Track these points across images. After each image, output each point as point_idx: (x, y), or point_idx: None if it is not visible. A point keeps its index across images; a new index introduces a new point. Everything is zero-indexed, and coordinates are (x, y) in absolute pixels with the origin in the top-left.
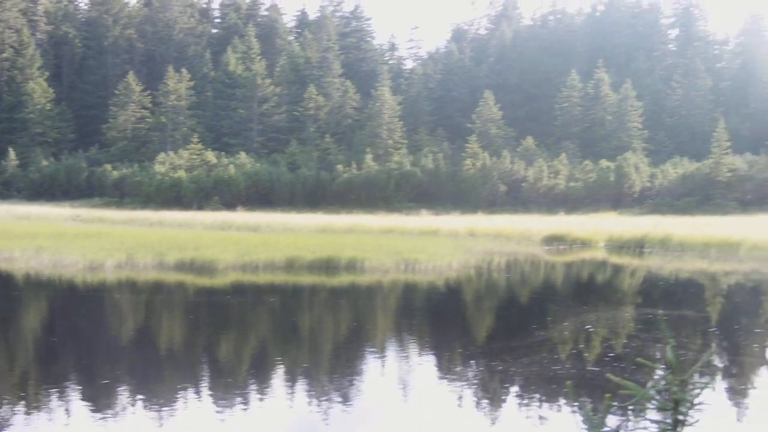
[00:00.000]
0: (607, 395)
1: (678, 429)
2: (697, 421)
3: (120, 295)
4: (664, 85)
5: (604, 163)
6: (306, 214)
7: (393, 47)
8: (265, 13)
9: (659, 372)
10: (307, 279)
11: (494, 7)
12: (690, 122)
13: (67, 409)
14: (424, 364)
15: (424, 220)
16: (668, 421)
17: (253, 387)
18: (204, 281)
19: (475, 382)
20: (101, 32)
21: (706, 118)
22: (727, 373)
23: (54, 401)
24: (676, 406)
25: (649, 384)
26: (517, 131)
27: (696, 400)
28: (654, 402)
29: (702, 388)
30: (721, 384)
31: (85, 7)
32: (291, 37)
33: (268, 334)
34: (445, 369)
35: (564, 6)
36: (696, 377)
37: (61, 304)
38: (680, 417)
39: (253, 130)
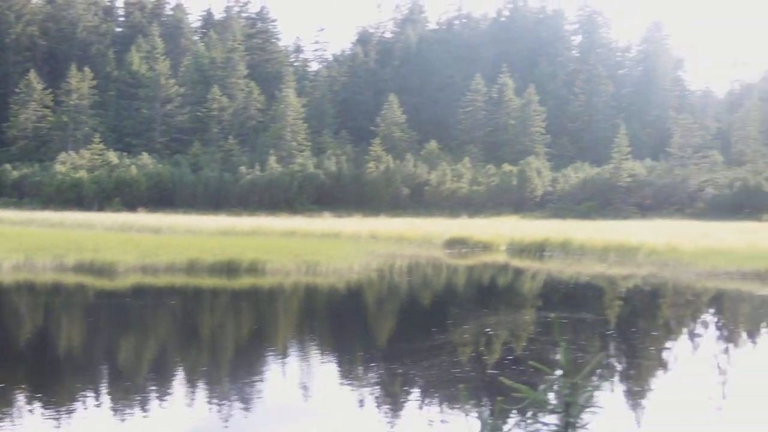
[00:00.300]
0: (500, 398)
1: (569, 431)
2: (587, 423)
3: (17, 296)
4: (567, 90)
5: (506, 167)
6: (208, 216)
7: (298, 49)
8: (170, 12)
9: (553, 375)
10: (208, 281)
11: (400, 11)
12: (592, 128)
13: None
14: (325, 367)
15: (326, 222)
16: (561, 424)
17: (153, 390)
18: (104, 283)
19: (376, 385)
20: (3, 28)
21: (608, 124)
22: (624, 376)
23: None
24: (567, 408)
25: (541, 387)
26: (420, 135)
27: (587, 403)
28: (546, 405)
29: (591, 392)
30: (618, 386)
31: None
32: (196, 37)
33: (168, 337)
34: (346, 372)
35: (470, 11)
36: (593, 380)
37: None
38: (571, 420)
39: (156, 131)
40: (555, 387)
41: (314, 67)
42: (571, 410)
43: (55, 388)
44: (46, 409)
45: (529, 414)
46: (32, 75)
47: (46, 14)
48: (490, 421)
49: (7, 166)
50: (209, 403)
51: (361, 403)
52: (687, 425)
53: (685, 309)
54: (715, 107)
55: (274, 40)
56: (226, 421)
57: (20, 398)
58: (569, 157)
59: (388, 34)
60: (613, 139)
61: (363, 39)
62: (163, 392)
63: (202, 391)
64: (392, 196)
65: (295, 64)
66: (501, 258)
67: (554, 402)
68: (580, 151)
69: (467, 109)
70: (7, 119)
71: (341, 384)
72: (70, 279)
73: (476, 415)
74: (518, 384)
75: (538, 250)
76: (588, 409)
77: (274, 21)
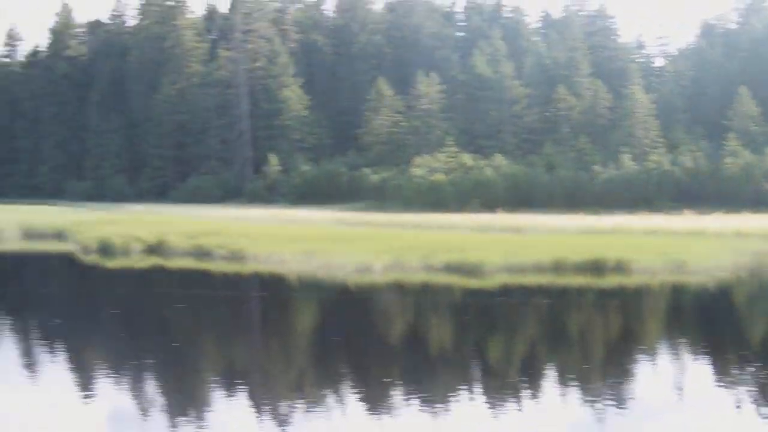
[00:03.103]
0: None
1: None
2: None
3: (390, 296)
4: None
5: None
6: (565, 215)
7: (640, 45)
8: (509, 14)
9: None
10: (574, 280)
11: (743, 0)
12: None
13: (343, 408)
14: (697, 368)
15: (687, 220)
16: None
17: (526, 388)
18: (472, 283)
19: (753, 387)
20: (349, 39)
21: None
22: None
23: (331, 399)
24: None
25: None
26: None
27: None
28: None
29: None
30: None
31: (332, 15)
32: (536, 38)
33: (539, 335)
34: (720, 373)
35: None
36: None
37: (334, 305)
38: None
39: (506, 132)
40: None
41: (658, 62)
42: None
43: (430, 384)
44: (422, 403)
45: None
46: (381, 82)
47: (389, 23)
48: None
49: (367, 171)
50: (583, 402)
51: (738, 404)
52: None
53: None
54: None
55: (614, 37)
56: (600, 420)
57: (399, 393)
58: None
59: (732, 26)
60: None
61: (706, 31)
62: (536, 390)
63: (574, 390)
64: (753, 191)
65: (639, 60)
66: None
67: None
68: None
69: None
70: (361, 126)
71: (715, 386)
72: (439, 279)
73: None
74: None
75: None
76: None
77: (612, 18)
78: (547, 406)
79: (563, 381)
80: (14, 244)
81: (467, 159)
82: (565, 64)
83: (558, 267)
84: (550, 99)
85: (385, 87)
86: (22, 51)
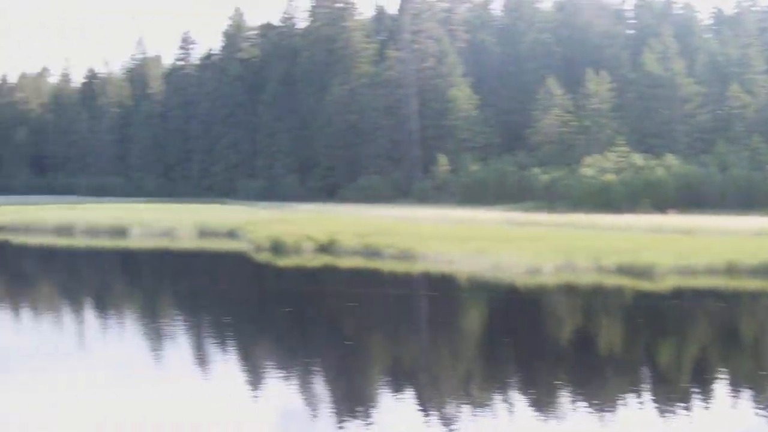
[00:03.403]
0: None
1: None
2: None
3: (560, 298)
4: None
5: None
6: (739, 216)
7: None
8: (680, 11)
9: None
10: (748, 284)
11: None
12: None
13: (510, 410)
14: None
15: None
16: None
17: (696, 393)
18: (643, 285)
19: None
20: (517, 38)
21: None
22: None
23: (498, 401)
24: None
25: None
26: None
27: None
28: None
29: None
30: None
31: (500, 14)
32: (708, 35)
33: (710, 340)
34: None
35: None
36: None
37: (504, 306)
38: None
39: (677, 131)
40: None
41: None
42: None
43: (598, 388)
44: (590, 407)
45: None
46: (551, 81)
47: (558, 21)
48: None
49: (536, 170)
50: (756, 410)
51: None
52: None
53: None
54: None
55: None
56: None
57: (566, 396)
58: None
59: None
60: None
61: None
62: (707, 397)
63: (747, 398)
64: None
65: None
66: None
67: None
68: None
69: None
70: (529, 125)
71: None
72: (610, 281)
73: None
74: None
75: None
76: None
77: None
78: (718, 414)
79: (736, 388)
80: (189, 242)
81: (638, 159)
82: (738, 61)
83: (731, 270)
84: (723, 97)
85: (554, 86)
86: (196, 54)
